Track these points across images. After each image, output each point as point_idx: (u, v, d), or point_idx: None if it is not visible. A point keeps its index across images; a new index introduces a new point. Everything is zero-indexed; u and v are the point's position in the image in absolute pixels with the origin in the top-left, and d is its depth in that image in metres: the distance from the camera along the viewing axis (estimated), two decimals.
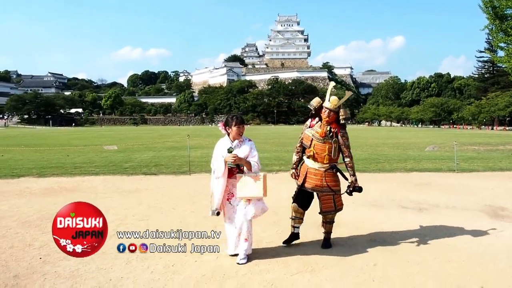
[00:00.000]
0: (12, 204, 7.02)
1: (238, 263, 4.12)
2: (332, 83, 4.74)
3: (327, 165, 4.50)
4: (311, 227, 5.27)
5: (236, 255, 4.25)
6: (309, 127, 4.63)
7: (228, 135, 4.30)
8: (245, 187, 4.09)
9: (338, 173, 4.66)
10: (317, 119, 4.61)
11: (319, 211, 4.70)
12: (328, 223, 4.68)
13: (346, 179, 4.64)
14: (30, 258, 4.26)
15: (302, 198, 4.69)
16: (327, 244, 4.67)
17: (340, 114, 4.50)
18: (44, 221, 5.80)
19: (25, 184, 9.31)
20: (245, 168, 4.18)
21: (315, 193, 4.66)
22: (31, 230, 5.34)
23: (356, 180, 4.57)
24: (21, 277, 3.75)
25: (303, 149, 4.68)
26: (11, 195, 7.90)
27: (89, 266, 4.01)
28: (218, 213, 4.21)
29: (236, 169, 4.21)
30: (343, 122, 4.52)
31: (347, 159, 4.56)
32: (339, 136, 4.49)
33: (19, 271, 3.89)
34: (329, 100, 4.45)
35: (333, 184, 4.54)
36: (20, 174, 10.79)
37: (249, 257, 4.23)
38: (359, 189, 4.55)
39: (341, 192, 4.65)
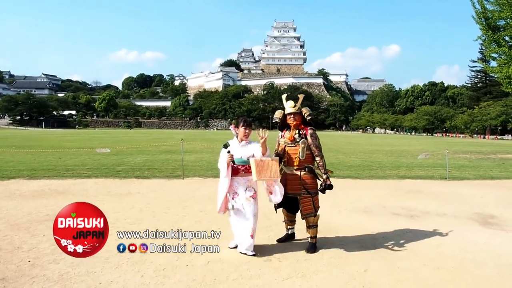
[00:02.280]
0: (1, 206, 6.96)
1: (247, 254, 4.43)
2: (284, 95, 5.05)
3: (298, 167, 4.66)
4: (303, 233, 5.27)
5: (234, 247, 4.64)
6: (281, 137, 4.87)
7: (237, 136, 4.57)
8: (263, 170, 4.34)
9: (312, 174, 4.78)
10: (285, 129, 4.87)
11: (301, 216, 4.78)
12: (311, 227, 4.75)
13: (319, 179, 4.79)
14: (18, 261, 4.22)
15: (287, 203, 4.84)
16: (312, 248, 4.72)
17: (303, 113, 4.75)
18: (33, 223, 5.76)
19: (16, 186, 9.23)
20: (260, 153, 4.42)
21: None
22: (20, 233, 5.29)
23: (327, 178, 4.68)
24: (9, 280, 3.72)
25: (279, 159, 4.83)
26: (0, 197, 7.82)
27: (78, 270, 3.98)
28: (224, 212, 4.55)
29: (242, 168, 4.47)
30: (309, 118, 4.73)
31: (317, 158, 4.70)
32: (308, 137, 4.67)
33: (7, 274, 3.85)
34: (288, 108, 4.77)
35: (310, 186, 4.69)
36: (10, 176, 10.70)
37: (240, 262, 4.26)
38: (330, 187, 4.66)
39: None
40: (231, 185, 4.52)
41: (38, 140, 33.53)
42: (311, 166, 4.71)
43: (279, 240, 5.04)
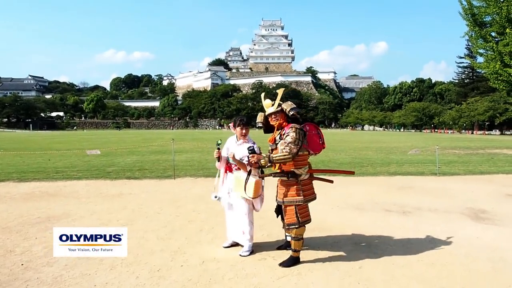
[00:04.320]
0: None
1: (241, 255, 4.43)
2: (263, 94, 4.49)
3: (277, 170, 4.16)
4: None
5: (229, 246, 4.72)
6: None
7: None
8: (240, 186, 4.33)
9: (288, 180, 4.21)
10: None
11: (284, 225, 4.44)
12: (294, 239, 4.16)
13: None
14: (11, 265, 4.15)
15: (279, 211, 4.45)
16: (288, 262, 4.16)
17: (285, 109, 4.13)
18: (25, 226, 5.68)
19: (5, 189, 9.08)
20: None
21: None
22: (11, 236, 5.21)
23: (265, 159, 3.96)
24: (3, 284, 3.65)
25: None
26: None
27: (72, 272, 3.93)
28: (219, 199, 4.59)
29: (235, 166, 4.51)
30: (292, 112, 4.07)
31: (280, 150, 3.98)
32: (284, 136, 4.04)
33: (0, 278, 3.79)
34: (266, 108, 4.25)
35: (290, 194, 4.11)
36: None
37: (235, 261, 4.28)
38: (251, 151, 3.99)
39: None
40: (227, 182, 4.61)
41: (26, 142, 33.05)
42: (291, 171, 4.10)
43: (279, 248, 4.66)
